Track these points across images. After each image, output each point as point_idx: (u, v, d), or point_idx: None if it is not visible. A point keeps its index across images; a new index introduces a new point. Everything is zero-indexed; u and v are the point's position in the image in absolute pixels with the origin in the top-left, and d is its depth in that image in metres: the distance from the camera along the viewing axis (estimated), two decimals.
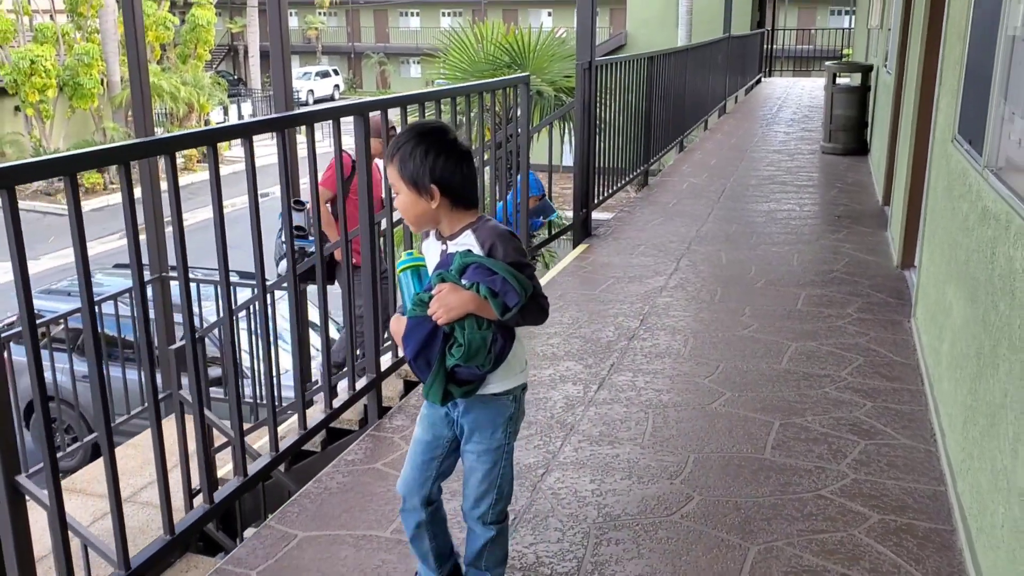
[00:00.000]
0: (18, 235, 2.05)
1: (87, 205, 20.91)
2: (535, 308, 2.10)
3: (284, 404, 5.22)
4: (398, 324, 2.18)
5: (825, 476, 3.10)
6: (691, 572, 2.59)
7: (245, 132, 2.82)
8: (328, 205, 5.01)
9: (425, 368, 2.11)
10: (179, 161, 3.09)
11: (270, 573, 2.62)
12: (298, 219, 4.69)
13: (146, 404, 2.64)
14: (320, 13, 46.56)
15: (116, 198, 22.20)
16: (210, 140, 2.64)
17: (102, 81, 25.38)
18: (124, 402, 6.40)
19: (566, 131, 10.00)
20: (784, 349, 4.27)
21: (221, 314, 5.89)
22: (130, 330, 7.23)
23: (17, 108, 25.11)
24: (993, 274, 2.66)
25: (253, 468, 2.96)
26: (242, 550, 2.75)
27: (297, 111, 3.59)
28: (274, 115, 3.23)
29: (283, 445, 3.14)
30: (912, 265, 5.11)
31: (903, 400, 3.71)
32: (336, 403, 3.45)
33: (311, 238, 4.44)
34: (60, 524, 2.22)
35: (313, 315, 5.79)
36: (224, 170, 2.86)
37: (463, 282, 2.06)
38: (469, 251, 2.09)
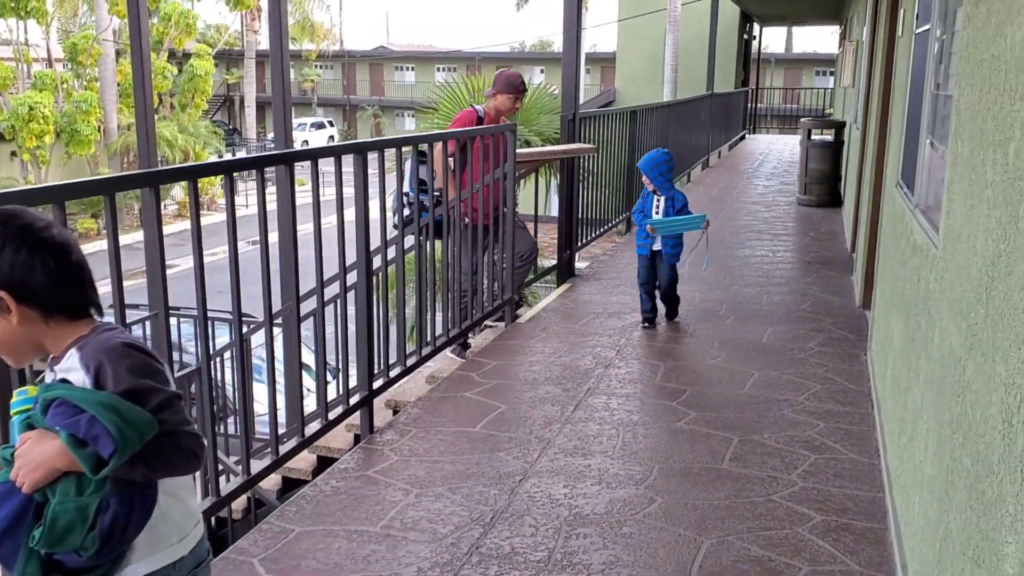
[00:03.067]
0: None
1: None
2: (171, 453, 1.52)
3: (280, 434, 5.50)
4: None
5: (776, 484, 3.41)
6: (650, 561, 2.89)
7: (255, 164, 3.16)
8: (451, 161, 5.20)
9: (12, 556, 1.52)
10: (171, 205, 3.35)
11: (270, 560, 2.90)
12: (422, 172, 4.96)
13: None
14: (317, 66, 47.41)
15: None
16: (227, 170, 2.97)
17: (99, 128, 25.90)
18: None
19: (551, 180, 10.41)
20: (748, 377, 4.60)
21: (213, 350, 6.20)
22: None
23: (13, 153, 25.57)
24: (917, 297, 3.02)
25: (226, 488, 3.13)
26: (244, 541, 3.03)
27: (301, 148, 3.94)
28: (281, 151, 3.57)
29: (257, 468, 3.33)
30: (871, 305, 5.46)
31: (853, 421, 4.04)
32: (310, 430, 3.68)
33: (428, 192, 4.92)
34: None
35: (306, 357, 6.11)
36: (213, 219, 3.10)
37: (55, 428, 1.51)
38: (63, 381, 1.55)
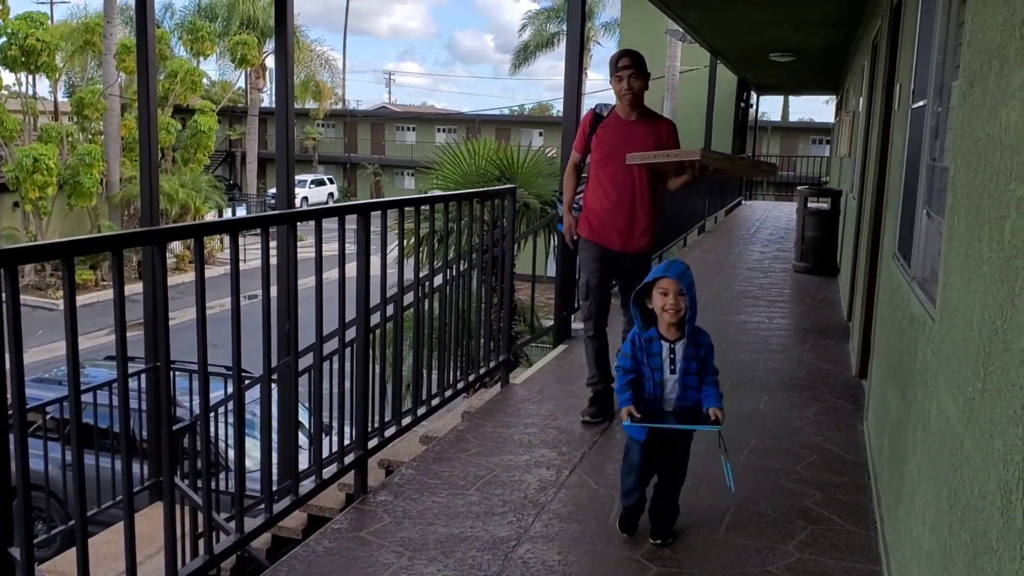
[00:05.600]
0: (16, 317, 2.22)
1: (78, 301, 21.16)
2: None
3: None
4: None
5: (773, 554, 3.38)
6: None
7: (260, 223, 3.20)
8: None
9: None
10: (168, 258, 3.35)
11: None
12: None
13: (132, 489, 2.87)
14: (318, 124, 47.97)
15: (107, 294, 22.54)
16: (232, 229, 3.00)
17: (101, 180, 26.09)
18: (111, 490, 6.61)
19: (550, 241, 10.47)
20: (745, 445, 4.58)
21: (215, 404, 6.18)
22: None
23: (16, 204, 25.70)
24: (914, 369, 3.03)
25: (219, 547, 3.13)
26: None
27: (304, 208, 3.98)
28: (283, 211, 3.61)
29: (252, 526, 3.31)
30: (867, 375, 5.47)
31: (850, 492, 4.01)
32: (303, 488, 3.65)
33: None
34: None
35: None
36: (210, 272, 3.09)
37: None
38: None
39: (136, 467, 6.75)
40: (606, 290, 4.99)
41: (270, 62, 36.67)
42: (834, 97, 19.89)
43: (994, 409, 1.81)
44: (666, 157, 4.45)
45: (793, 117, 49.69)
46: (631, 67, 4.70)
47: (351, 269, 3.82)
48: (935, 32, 3.50)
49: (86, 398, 6.67)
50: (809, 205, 10.65)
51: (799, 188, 11.46)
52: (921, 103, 3.79)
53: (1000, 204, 1.92)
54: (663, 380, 3.37)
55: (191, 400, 7.06)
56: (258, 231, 3.29)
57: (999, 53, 2.05)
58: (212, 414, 6.52)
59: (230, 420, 6.13)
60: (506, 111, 53.81)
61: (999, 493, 1.69)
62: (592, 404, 4.99)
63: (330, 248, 3.57)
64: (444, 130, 47.01)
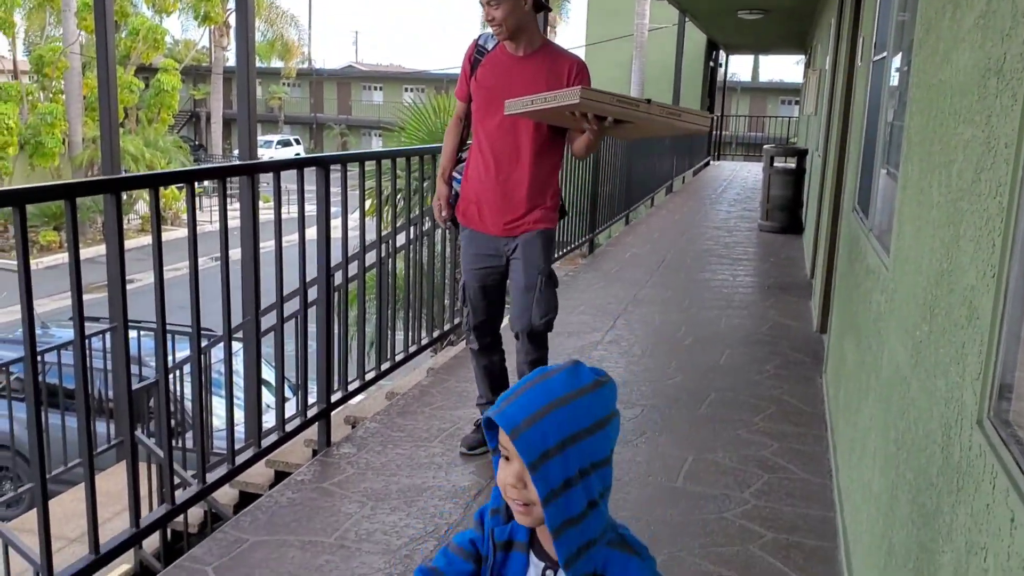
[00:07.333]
0: None
1: (42, 263, 20.93)
2: None
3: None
4: None
5: (729, 501, 3.44)
6: None
7: (218, 174, 3.17)
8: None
9: None
10: (134, 219, 3.32)
11: (224, 569, 2.88)
12: None
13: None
14: (284, 83, 47.31)
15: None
16: (188, 179, 2.97)
17: (64, 141, 25.65)
18: (77, 449, 6.59)
19: None
20: (704, 398, 4.64)
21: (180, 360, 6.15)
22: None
23: None
24: (869, 319, 3.07)
25: (181, 497, 3.11)
26: (198, 550, 3.00)
27: (265, 160, 3.94)
28: (244, 162, 3.57)
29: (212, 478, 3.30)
30: (827, 329, 5.54)
31: (807, 442, 4.08)
32: (267, 442, 3.66)
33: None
34: None
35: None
36: (175, 234, 3.05)
37: None
38: None
39: (103, 427, 6.74)
40: (492, 293, 3.76)
41: (233, 18, 36.02)
42: (803, 57, 19.93)
43: (938, 350, 1.85)
44: (543, 102, 3.12)
45: (763, 78, 49.75)
46: None
47: (314, 233, 3.79)
48: None
49: (50, 358, 6.62)
50: (775, 164, 10.70)
51: (765, 148, 11.50)
52: (882, 55, 3.81)
53: (949, 148, 1.94)
54: None
55: (158, 359, 7.01)
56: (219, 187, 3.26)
57: None
58: (178, 372, 6.48)
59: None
60: None
61: (940, 431, 1.74)
62: (477, 431, 3.87)
63: (296, 211, 3.55)
64: (411, 89, 46.52)
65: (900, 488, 2.10)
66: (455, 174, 3.75)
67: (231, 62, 41.25)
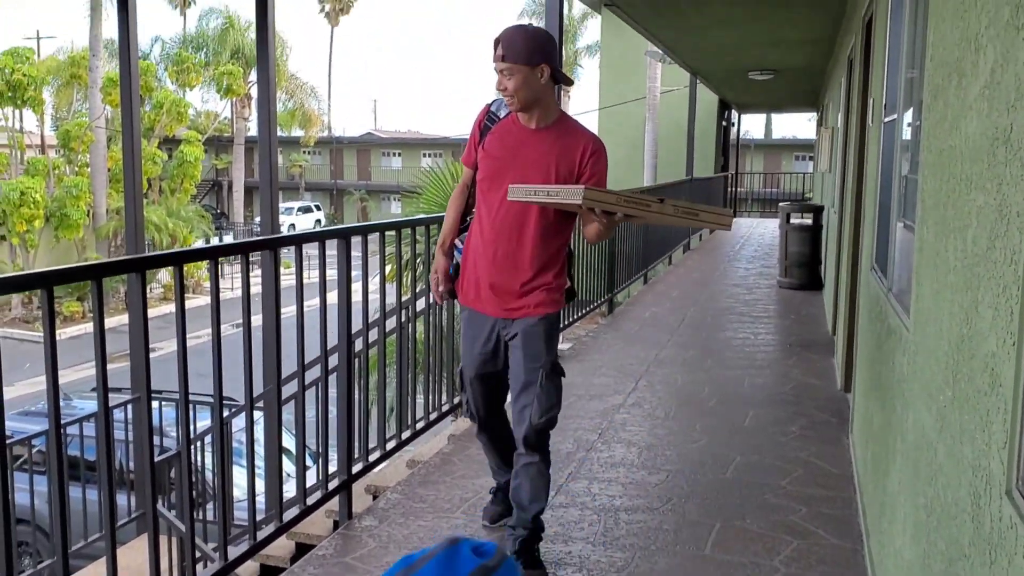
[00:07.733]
0: None
1: (65, 333, 21.13)
2: None
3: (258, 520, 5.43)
4: None
5: (759, 570, 3.38)
6: None
7: (241, 250, 3.20)
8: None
9: None
10: (156, 288, 3.39)
11: None
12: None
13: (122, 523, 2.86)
14: (304, 151, 48.04)
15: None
16: (212, 256, 3.01)
17: (88, 212, 26.07)
18: (99, 523, 6.57)
19: None
20: (730, 461, 4.59)
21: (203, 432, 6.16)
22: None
23: (2, 237, 25.62)
24: (892, 380, 3.05)
25: (203, 574, 3.11)
26: None
27: (286, 234, 3.99)
28: (266, 236, 3.62)
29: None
30: (851, 388, 5.49)
31: (836, 506, 4.02)
32: (288, 515, 3.65)
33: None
34: None
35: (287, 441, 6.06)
36: (197, 302, 3.12)
37: None
38: None
39: (124, 499, 6.74)
40: (491, 380, 3.49)
41: (255, 90, 36.78)
42: (815, 114, 20.07)
43: (963, 416, 1.83)
44: (547, 195, 3.01)
45: (776, 134, 50.05)
46: (504, 59, 3.12)
47: (335, 297, 3.82)
48: (902, 48, 3.55)
49: (72, 430, 6.65)
50: (792, 220, 10.71)
51: (781, 204, 11.52)
52: (893, 117, 3.83)
53: (962, 213, 1.95)
54: None
55: (178, 430, 7.03)
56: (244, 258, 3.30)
57: (957, 67, 2.08)
58: (199, 443, 6.49)
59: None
60: None
61: (969, 499, 1.71)
62: (496, 501, 3.79)
63: (316, 276, 3.58)
64: (430, 154, 47.12)
65: (932, 557, 2.06)
66: (457, 242, 3.49)
67: (252, 131, 42.05)
